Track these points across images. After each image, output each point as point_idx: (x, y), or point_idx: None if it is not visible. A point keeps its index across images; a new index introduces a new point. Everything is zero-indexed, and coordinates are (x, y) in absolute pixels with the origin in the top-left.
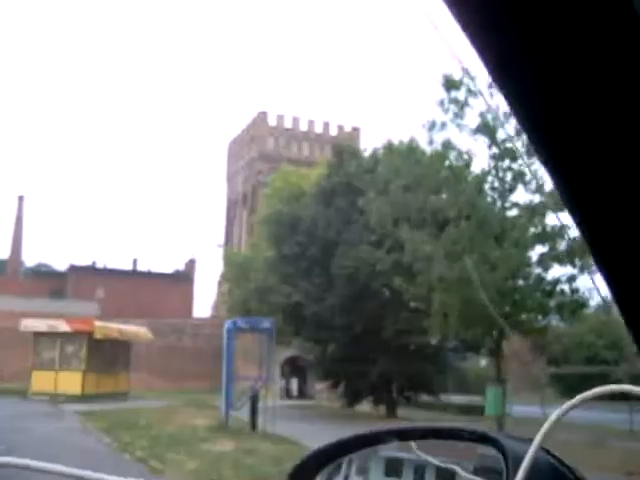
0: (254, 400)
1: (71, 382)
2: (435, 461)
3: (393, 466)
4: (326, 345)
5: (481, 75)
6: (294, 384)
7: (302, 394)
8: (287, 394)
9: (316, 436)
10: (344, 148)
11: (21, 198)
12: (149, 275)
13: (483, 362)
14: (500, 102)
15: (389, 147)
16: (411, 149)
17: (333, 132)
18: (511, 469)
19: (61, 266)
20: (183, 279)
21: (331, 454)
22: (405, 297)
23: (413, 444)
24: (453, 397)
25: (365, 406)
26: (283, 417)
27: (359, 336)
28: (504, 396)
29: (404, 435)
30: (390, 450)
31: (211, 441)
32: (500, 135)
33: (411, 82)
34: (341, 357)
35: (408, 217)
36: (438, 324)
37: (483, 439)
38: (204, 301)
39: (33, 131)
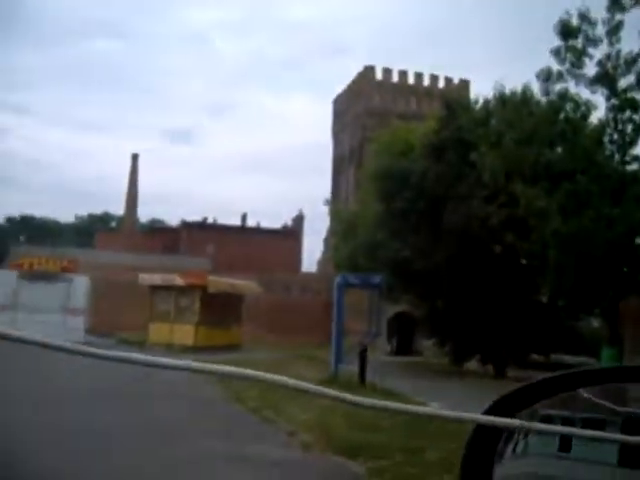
0: (363, 354)
1: (184, 334)
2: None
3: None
4: (434, 301)
5: (600, 20)
6: (403, 340)
7: (410, 350)
8: (395, 350)
9: (424, 391)
10: (453, 101)
11: (135, 156)
12: (258, 230)
13: (596, 323)
14: (621, 49)
15: (501, 99)
16: (525, 100)
17: (441, 85)
18: None
19: (174, 222)
20: (291, 234)
21: (527, 397)
22: (518, 254)
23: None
24: (565, 357)
25: (473, 364)
26: (391, 372)
27: (469, 293)
28: (621, 357)
29: (597, 377)
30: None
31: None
32: (620, 85)
33: (523, 28)
34: (450, 314)
35: (522, 171)
36: (551, 282)
37: None
38: (312, 257)
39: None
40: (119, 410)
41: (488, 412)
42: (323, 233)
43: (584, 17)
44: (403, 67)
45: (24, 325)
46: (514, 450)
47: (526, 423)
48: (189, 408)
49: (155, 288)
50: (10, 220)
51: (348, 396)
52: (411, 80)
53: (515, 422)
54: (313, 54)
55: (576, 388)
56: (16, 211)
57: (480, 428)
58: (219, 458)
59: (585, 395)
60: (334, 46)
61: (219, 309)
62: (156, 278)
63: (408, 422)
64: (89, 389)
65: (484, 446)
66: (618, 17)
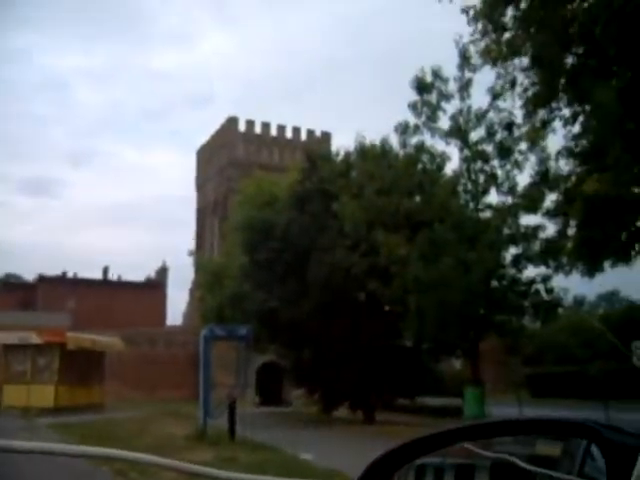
0: (232, 408)
1: (44, 395)
2: (517, 460)
3: (465, 470)
4: (302, 351)
5: (452, 78)
6: (271, 390)
7: (279, 400)
8: (264, 401)
9: (295, 442)
10: (316, 153)
11: None
12: (120, 284)
13: (457, 364)
14: (472, 104)
15: (362, 151)
16: (384, 152)
17: (304, 137)
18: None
19: (30, 277)
20: (155, 287)
21: (405, 455)
22: (380, 301)
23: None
24: (429, 400)
25: (342, 411)
26: (261, 424)
27: (335, 341)
28: (483, 397)
29: (482, 431)
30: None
31: (190, 450)
32: (472, 137)
33: (383, 84)
34: (317, 362)
35: (382, 221)
36: (414, 326)
37: (579, 431)
38: (176, 309)
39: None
40: None
41: (371, 468)
42: (188, 285)
43: (437, 74)
44: (266, 119)
45: None
46: None
47: None
48: (51, 475)
49: (10, 347)
50: None
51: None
52: (274, 132)
53: None
54: (176, 105)
55: (449, 445)
56: None
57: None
58: None
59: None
60: (197, 97)
61: (80, 367)
62: (11, 337)
63: (281, 476)
64: None
65: None
66: (468, 75)
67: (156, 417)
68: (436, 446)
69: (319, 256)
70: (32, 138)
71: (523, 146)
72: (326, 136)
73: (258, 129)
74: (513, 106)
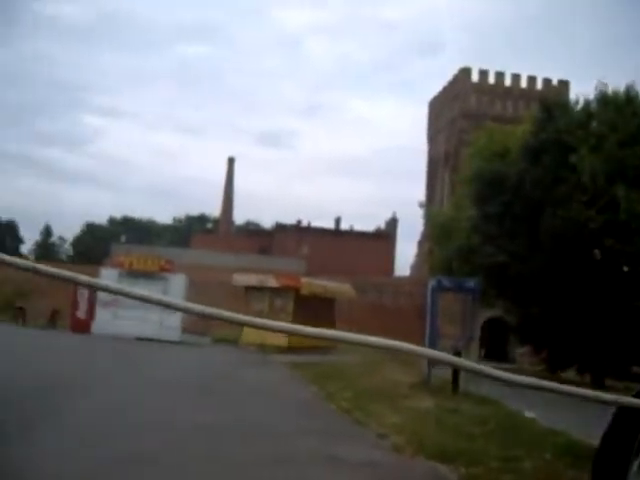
0: None
1: (278, 334)
2: None
3: None
4: (530, 308)
5: None
6: (495, 346)
7: (503, 356)
8: (487, 355)
9: (519, 399)
10: (552, 102)
11: (231, 160)
12: (351, 234)
13: None
14: None
15: (603, 99)
16: (629, 100)
17: (539, 86)
18: None
19: (268, 224)
20: (384, 238)
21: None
22: (619, 259)
23: None
24: None
25: (569, 373)
26: (485, 379)
27: (566, 299)
28: None
29: None
30: None
31: (413, 397)
32: None
33: (625, 25)
34: (545, 320)
35: (624, 174)
36: None
37: None
38: (404, 260)
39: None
40: (211, 407)
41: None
42: (417, 236)
43: None
44: (500, 68)
45: (124, 321)
46: None
47: None
48: (282, 407)
49: (249, 289)
50: (112, 221)
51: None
52: (508, 82)
53: None
54: (405, 55)
55: None
56: (117, 212)
57: (619, 418)
58: (310, 457)
59: None
60: (428, 47)
61: (312, 311)
62: (251, 279)
63: (503, 430)
64: (180, 385)
65: (622, 438)
66: None
67: (382, 363)
68: None
69: (552, 210)
70: (266, 92)
71: None
72: (564, 85)
73: (491, 79)
74: None
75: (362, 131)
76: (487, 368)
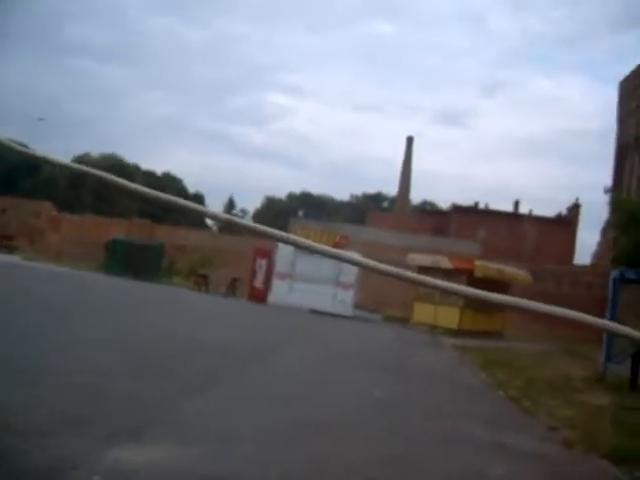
0: (637, 356)
1: (449, 316)
2: None
3: None
4: None
5: None
6: None
7: None
8: None
9: None
10: None
11: (410, 139)
12: (530, 218)
13: None
14: None
15: None
16: None
17: None
18: None
19: (444, 205)
20: (565, 224)
21: None
22: None
23: None
24: None
25: None
26: None
27: None
28: None
29: None
30: None
31: (587, 391)
32: None
33: None
34: None
35: None
36: None
37: None
38: (585, 248)
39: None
40: (382, 383)
41: None
42: (601, 224)
43: None
44: None
45: (299, 293)
46: None
47: None
48: (450, 390)
49: (422, 268)
50: (290, 196)
51: None
52: None
53: None
54: (595, 31)
55: None
56: (296, 188)
57: None
58: (475, 443)
59: None
60: (619, 23)
61: None
62: (424, 259)
63: None
64: (354, 358)
65: None
66: None
67: (553, 353)
68: None
69: None
70: (447, 69)
71: None
72: None
73: None
74: None
75: (545, 111)
76: None
